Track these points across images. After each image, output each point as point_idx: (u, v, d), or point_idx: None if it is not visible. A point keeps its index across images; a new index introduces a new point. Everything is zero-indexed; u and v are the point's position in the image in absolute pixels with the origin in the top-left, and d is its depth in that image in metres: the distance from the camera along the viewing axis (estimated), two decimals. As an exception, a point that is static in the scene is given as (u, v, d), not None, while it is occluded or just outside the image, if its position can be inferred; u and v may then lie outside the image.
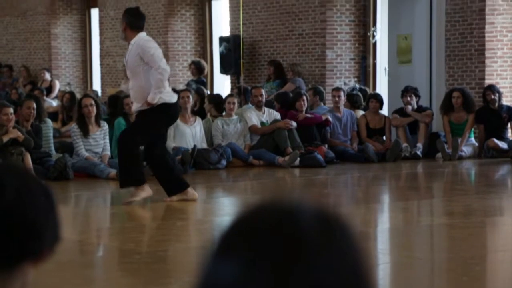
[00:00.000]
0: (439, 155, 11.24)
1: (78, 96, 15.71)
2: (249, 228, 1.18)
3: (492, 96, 11.41)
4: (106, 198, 8.73)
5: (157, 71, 7.14)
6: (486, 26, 12.08)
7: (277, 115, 11.11)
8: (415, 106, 11.68)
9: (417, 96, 11.74)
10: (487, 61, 12.12)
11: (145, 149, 7.40)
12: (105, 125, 9.74)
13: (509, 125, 11.61)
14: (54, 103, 16.49)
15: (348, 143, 11.38)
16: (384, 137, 11.54)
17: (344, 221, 1.20)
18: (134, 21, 7.40)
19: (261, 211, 1.20)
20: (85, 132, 9.58)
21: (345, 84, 13.29)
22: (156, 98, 7.11)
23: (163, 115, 7.22)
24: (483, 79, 12.12)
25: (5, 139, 9.03)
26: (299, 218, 1.18)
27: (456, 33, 12.44)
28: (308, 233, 1.16)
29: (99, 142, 9.65)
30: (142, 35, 7.39)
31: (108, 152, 9.68)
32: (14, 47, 19.57)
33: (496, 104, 11.45)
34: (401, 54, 13.14)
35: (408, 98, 11.60)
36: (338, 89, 11.66)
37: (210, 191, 9.20)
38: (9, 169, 1.45)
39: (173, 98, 7.32)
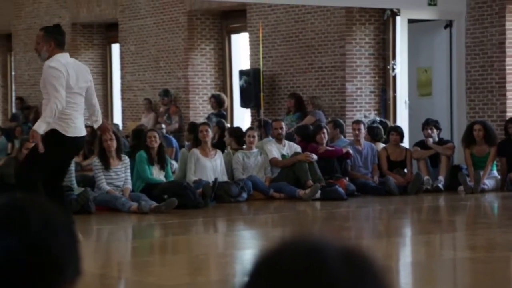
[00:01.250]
0: (461, 188, 11.17)
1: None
2: (276, 268, 1.17)
3: (514, 129, 11.36)
4: (127, 232, 8.73)
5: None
6: (507, 59, 12.07)
7: (298, 148, 11.11)
8: (436, 139, 11.64)
9: (438, 128, 11.71)
10: (508, 94, 12.09)
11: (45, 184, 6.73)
12: (126, 159, 9.78)
13: (531, 158, 11.53)
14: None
15: (369, 176, 11.34)
16: (405, 170, 11.50)
17: (371, 258, 1.19)
18: (61, 39, 6.96)
19: (287, 250, 1.18)
20: (107, 166, 9.62)
21: (365, 117, 13.28)
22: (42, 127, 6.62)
23: (54, 147, 6.70)
24: (505, 111, 12.08)
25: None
26: (326, 256, 1.16)
27: (476, 66, 12.43)
28: (336, 273, 1.15)
29: (120, 175, 9.69)
30: (61, 55, 6.90)
31: (130, 186, 9.71)
32: (36, 82, 19.75)
33: (518, 137, 11.39)
34: (421, 87, 13.14)
35: (429, 131, 11.57)
36: (358, 122, 11.67)
37: (231, 224, 9.18)
38: (33, 203, 1.45)
39: (73, 131, 6.84)
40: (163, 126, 15.11)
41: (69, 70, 6.78)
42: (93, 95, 7.12)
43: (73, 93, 6.80)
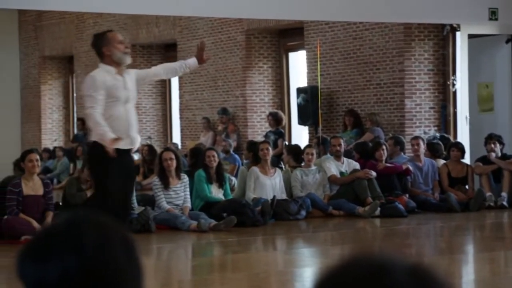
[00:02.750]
0: (525, 204, 10.95)
1: (158, 149, 15.98)
2: (342, 285, 1.15)
3: None
4: (187, 250, 8.77)
5: None
6: None
7: (356, 165, 11.04)
8: (499, 154, 11.45)
9: (501, 143, 11.51)
10: None
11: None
12: (185, 178, 9.84)
13: None
14: (136, 156, 16.77)
15: (429, 193, 11.20)
16: (467, 186, 11.32)
17: (439, 275, 1.16)
18: None
19: (354, 266, 1.17)
20: (166, 185, 9.69)
21: (425, 133, 13.14)
22: None
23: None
24: None
25: (90, 193, 9.21)
26: (393, 273, 1.14)
27: (538, 80, 12.21)
28: None
29: (179, 194, 9.75)
30: None
31: (189, 204, 9.76)
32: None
33: None
34: (482, 102, 12.96)
35: (492, 145, 11.39)
36: (416, 138, 11.55)
37: (290, 242, 9.15)
38: (89, 219, 1.44)
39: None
40: (232, 143, 15.14)
41: None
42: None
43: None
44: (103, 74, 6.49)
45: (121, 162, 6.41)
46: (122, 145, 6.42)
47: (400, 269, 1.15)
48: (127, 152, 6.58)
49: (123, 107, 6.51)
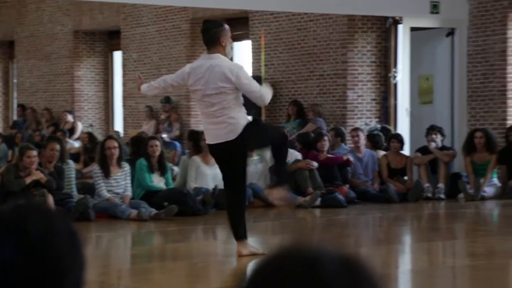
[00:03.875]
0: (461, 195, 11.17)
1: (100, 137, 15.84)
2: (274, 277, 1.16)
3: (515, 137, 11.35)
4: (127, 239, 8.72)
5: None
6: (508, 67, 12.07)
7: (298, 155, 11.11)
8: (439, 145, 11.64)
9: (443, 135, 11.71)
10: (509, 102, 12.09)
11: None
12: (126, 166, 9.78)
13: (532, 166, 11.52)
14: (76, 144, 16.61)
15: (369, 183, 11.33)
16: (406, 177, 11.49)
17: (369, 266, 1.18)
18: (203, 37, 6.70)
19: (287, 258, 1.18)
20: (107, 173, 9.62)
21: (366, 124, 13.28)
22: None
23: None
24: (505, 119, 12.07)
25: (28, 180, 9.09)
26: (324, 264, 1.16)
27: (478, 74, 12.43)
28: (334, 281, 1.15)
29: (120, 183, 9.69)
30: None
31: (130, 193, 9.71)
32: (37, 89, 19.79)
33: (519, 145, 11.38)
34: (422, 94, 13.14)
35: (434, 136, 11.57)
36: (356, 130, 11.68)
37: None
38: (33, 208, 1.43)
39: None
40: (165, 135, 15.11)
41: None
42: None
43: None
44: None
45: None
46: None
47: (331, 260, 1.17)
48: None
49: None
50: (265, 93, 6.60)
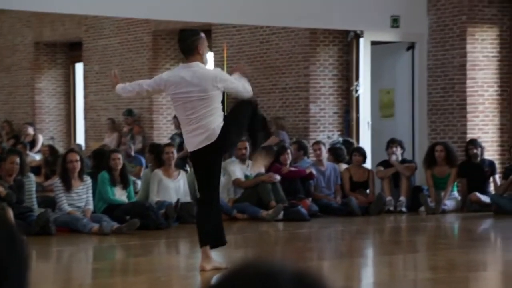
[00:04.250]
0: (422, 208, 11.27)
1: (61, 150, 15.71)
2: None
3: (474, 151, 11.50)
4: (88, 253, 8.65)
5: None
6: (467, 81, 12.23)
7: (261, 169, 11.12)
8: (400, 158, 11.74)
9: (403, 148, 11.82)
10: (469, 116, 12.24)
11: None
12: (88, 179, 9.71)
13: (491, 179, 11.67)
14: (37, 157, 16.45)
15: (331, 197, 11.39)
16: (368, 191, 11.57)
17: (324, 280, 1.20)
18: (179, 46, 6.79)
19: (242, 274, 1.20)
20: (68, 187, 9.54)
21: (328, 137, 13.36)
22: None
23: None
24: (465, 133, 12.22)
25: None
26: (278, 281, 1.17)
27: (438, 88, 12.58)
28: None
29: (82, 196, 9.61)
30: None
31: (91, 207, 9.63)
32: (-2, 101, 19.57)
33: (478, 158, 11.53)
34: (383, 108, 13.26)
35: (394, 149, 11.67)
36: (318, 143, 11.73)
37: (194, 245, 9.10)
38: None
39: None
40: (132, 146, 15.04)
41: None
42: None
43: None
44: None
45: None
46: None
47: (286, 276, 1.18)
48: None
49: None
50: (246, 85, 6.67)
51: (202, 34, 6.72)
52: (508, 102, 12.45)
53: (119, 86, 6.85)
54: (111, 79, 7.01)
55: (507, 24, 12.40)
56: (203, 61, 6.65)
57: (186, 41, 6.60)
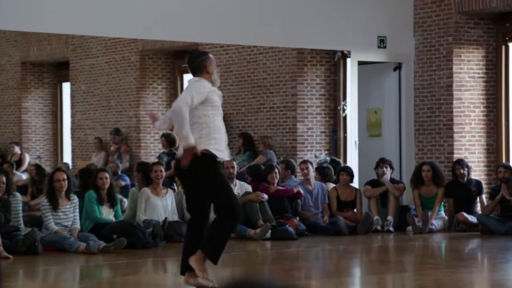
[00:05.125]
0: (409, 228, 11.29)
1: (48, 169, 15.65)
2: None
3: (461, 171, 11.54)
4: (75, 272, 8.60)
5: None
6: (454, 102, 12.30)
7: (249, 188, 11.12)
8: (389, 178, 11.78)
9: (392, 168, 11.86)
10: (456, 136, 12.30)
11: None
12: (75, 198, 9.68)
13: (478, 199, 11.71)
14: (24, 176, 16.38)
15: (319, 216, 11.39)
16: (355, 210, 11.58)
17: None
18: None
19: None
20: (55, 206, 9.50)
21: (315, 157, 13.37)
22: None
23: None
24: (452, 153, 12.27)
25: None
26: None
27: (424, 108, 12.63)
28: None
29: (68, 215, 9.57)
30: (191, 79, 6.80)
31: (78, 226, 9.59)
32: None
33: (465, 178, 11.57)
34: (371, 128, 13.30)
35: (384, 169, 11.71)
36: (305, 162, 11.75)
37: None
38: None
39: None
40: (119, 164, 15.02)
41: None
42: None
43: None
44: (209, 84, 6.56)
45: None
46: (227, 156, 6.61)
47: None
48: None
49: (222, 121, 6.67)
50: (181, 111, 6.46)
51: (211, 55, 6.81)
52: (494, 122, 12.52)
53: (158, 122, 6.87)
54: (150, 119, 7.10)
55: (492, 45, 12.50)
56: (212, 80, 6.65)
57: (195, 61, 6.66)
